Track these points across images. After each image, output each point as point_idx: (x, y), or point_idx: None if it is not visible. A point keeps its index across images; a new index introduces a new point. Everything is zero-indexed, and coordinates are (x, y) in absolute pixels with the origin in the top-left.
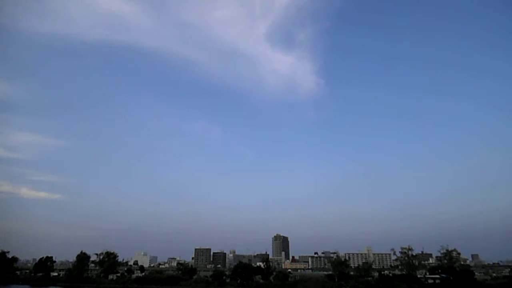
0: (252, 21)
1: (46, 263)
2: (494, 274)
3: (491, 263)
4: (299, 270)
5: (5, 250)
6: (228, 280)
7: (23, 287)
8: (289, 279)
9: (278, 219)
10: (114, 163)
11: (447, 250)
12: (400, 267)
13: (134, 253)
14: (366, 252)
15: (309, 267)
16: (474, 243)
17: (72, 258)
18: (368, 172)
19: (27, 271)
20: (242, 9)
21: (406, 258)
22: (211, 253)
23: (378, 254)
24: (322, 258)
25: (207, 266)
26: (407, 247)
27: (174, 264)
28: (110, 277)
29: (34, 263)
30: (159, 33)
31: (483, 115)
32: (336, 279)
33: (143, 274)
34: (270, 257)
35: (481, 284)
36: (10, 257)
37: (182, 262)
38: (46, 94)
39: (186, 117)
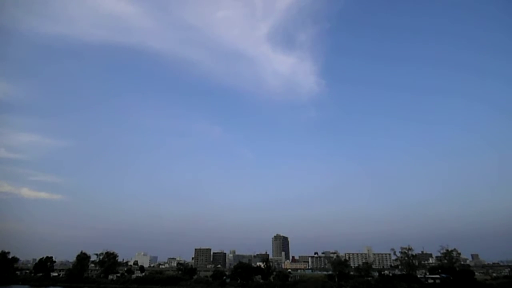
0: (253, 22)
1: (46, 263)
2: (494, 274)
3: (491, 263)
4: (299, 270)
5: (6, 251)
6: (228, 280)
7: (23, 287)
8: (289, 279)
9: (278, 219)
10: (114, 163)
11: (447, 250)
12: (400, 267)
13: (134, 253)
14: (366, 252)
15: (309, 267)
16: (474, 243)
17: (72, 258)
18: (368, 172)
19: (27, 271)
20: (244, 10)
21: (406, 258)
22: (211, 253)
23: (378, 254)
24: (322, 258)
25: (207, 266)
26: (407, 247)
27: (174, 264)
28: (110, 277)
29: (34, 263)
30: (160, 34)
31: (483, 115)
32: (336, 279)
33: (143, 274)
34: (270, 257)
35: (481, 284)
36: (10, 257)
37: (182, 262)
38: (47, 94)
39: (187, 117)
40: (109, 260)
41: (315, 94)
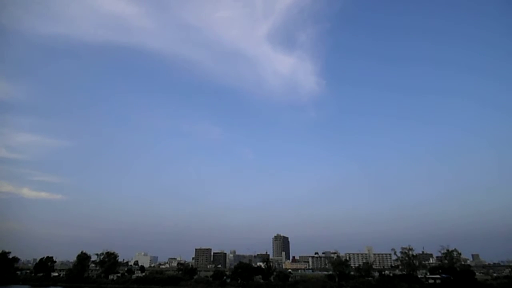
0: (253, 22)
1: (46, 263)
2: (495, 274)
3: (492, 263)
4: (299, 270)
5: (6, 251)
6: (228, 280)
7: (23, 287)
8: (290, 279)
9: (278, 219)
10: (114, 163)
11: (447, 250)
12: (400, 267)
13: (135, 253)
14: (366, 252)
15: (310, 267)
16: (474, 243)
17: (72, 258)
18: (368, 172)
19: (28, 271)
20: (244, 10)
21: (406, 258)
22: (212, 253)
23: (378, 254)
24: (322, 258)
25: (208, 266)
26: (408, 247)
27: (174, 264)
28: (111, 277)
29: (34, 263)
30: (160, 34)
31: (483, 115)
32: (337, 279)
33: (144, 274)
34: (271, 257)
35: (481, 284)
36: (10, 257)
37: (183, 262)
38: (47, 94)
39: (187, 117)
40: (110, 260)
41: (316, 94)
